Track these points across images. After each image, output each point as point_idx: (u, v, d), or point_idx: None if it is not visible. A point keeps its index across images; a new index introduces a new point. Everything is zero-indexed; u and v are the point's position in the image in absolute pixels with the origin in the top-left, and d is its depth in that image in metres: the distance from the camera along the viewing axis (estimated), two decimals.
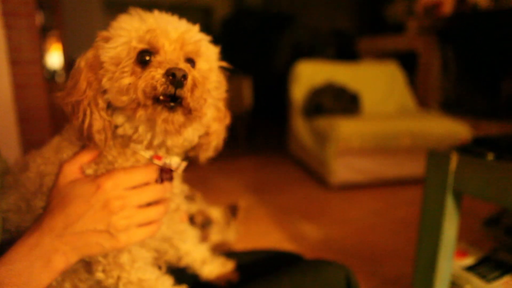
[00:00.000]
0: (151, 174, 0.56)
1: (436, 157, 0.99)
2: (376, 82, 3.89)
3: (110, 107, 0.54)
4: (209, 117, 0.59)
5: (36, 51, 2.10)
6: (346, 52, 5.58)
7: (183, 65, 0.50)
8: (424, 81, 4.39)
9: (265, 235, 2.18)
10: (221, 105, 0.63)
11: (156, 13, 0.56)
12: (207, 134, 0.62)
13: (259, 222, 2.36)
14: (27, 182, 0.58)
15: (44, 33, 3.40)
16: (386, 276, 1.74)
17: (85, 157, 0.56)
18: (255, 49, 6.19)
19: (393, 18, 5.01)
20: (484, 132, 3.46)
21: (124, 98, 0.50)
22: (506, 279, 1.04)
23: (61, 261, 0.50)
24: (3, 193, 0.60)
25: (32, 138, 2.13)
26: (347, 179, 3.01)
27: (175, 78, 0.48)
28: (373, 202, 2.74)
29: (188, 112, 0.51)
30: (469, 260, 1.16)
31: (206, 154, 0.65)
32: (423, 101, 4.26)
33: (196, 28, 0.58)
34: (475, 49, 4.04)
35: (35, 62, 2.09)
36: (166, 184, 0.58)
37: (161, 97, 0.49)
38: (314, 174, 3.34)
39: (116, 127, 0.55)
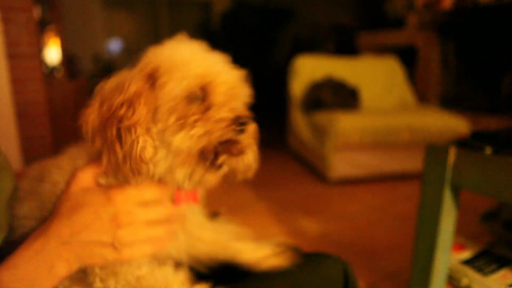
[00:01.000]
0: (163, 192, 0.57)
1: (434, 151, 0.99)
2: (375, 77, 3.88)
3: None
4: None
5: (34, 45, 2.10)
6: (345, 47, 5.57)
7: (245, 112, 0.54)
8: (423, 76, 4.38)
9: (264, 230, 2.18)
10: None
11: (199, 45, 0.59)
12: None
13: (258, 217, 2.37)
14: (42, 192, 0.57)
15: (42, 28, 3.38)
16: (385, 271, 1.74)
17: (100, 166, 0.55)
18: (255, 44, 6.17)
19: (393, 13, 4.99)
20: (483, 127, 3.46)
21: (189, 144, 0.51)
22: (503, 272, 1.05)
23: (63, 268, 0.50)
24: (19, 199, 0.59)
25: (30, 133, 2.13)
26: (346, 174, 3.01)
27: (243, 125, 0.52)
28: (372, 197, 2.75)
29: (238, 155, 0.55)
30: (466, 254, 1.16)
31: (246, 174, 0.66)
32: (422, 96, 4.26)
33: (240, 71, 0.60)
34: (475, 44, 4.03)
35: (33, 56, 2.09)
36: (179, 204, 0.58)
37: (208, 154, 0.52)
38: (313, 169, 3.34)
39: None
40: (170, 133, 0.52)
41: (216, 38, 6.52)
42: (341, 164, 2.98)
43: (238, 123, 0.52)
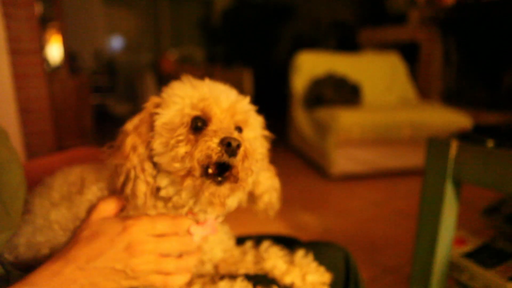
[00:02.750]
0: (178, 225, 0.57)
1: (436, 144, 0.99)
2: (377, 73, 3.88)
3: (155, 169, 0.56)
4: (250, 185, 0.60)
5: (36, 41, 2.09)
6: (347, 43, 5.56)
7: (236, 135, 0.51)
8: (425, 72, 4.37)
9: (266, 225, 2.19)
10: (264, 169, 0.64)
11: (207, 81, 0.59)
12: (255, 196, 0.65)
13: None
14: (78, 206, 0.60)
15: (43, 24, 3.39)
16: (385, 265, 1.75)
17: (121, 200, 0.58)
18: (256, 41, 6.16)
19: (394, 9, 4.97)
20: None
21: (177, 165, 0.51)
22: (504, 265, 1.05)
23: None
24: (55, 201, 0.61)
25: (33, 128, 2.13)
26: (347, 170, 3.01)
27: (230, 147, 0.49)
28: (373, 193, 2.75)
29: (235, 181, 0.52)
30: (468, 248, 1.17)
31: (268, 212, 0.67)
32: (424, 92, 4.25)
33: (246, 99, 0.60)
34: (477, 40, 4.01)
35: (35, 52, 2.08)
36: (191, 237, 0.59)
37: (210, 170, 0.50)
38: (315, 165, 3.34)
39: (158, 189, 0.57)
40: (157, 157, 0.54)
41: (217, 35, 6.51)
42: (342, 160, 2.98)
43: (224, 144, 0.49)
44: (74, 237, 0.56)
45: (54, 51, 3.81)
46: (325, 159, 3.06)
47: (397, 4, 4.92)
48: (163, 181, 0.55)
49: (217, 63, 6.10)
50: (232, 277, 0.62)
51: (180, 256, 0.58)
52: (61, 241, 0.60)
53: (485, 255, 1.11)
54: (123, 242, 0.53)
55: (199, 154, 0.49)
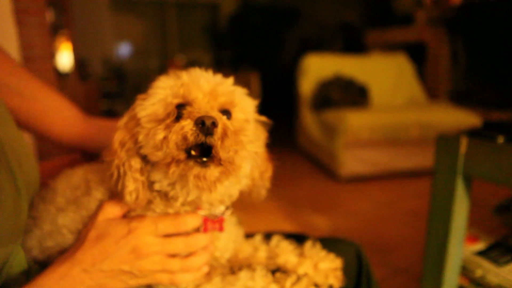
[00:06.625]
0: (181, 224, 0.56)
1: (445, 141, 0.98)
2: (384, 74, 3.87)
3: (149, 163, 0.55)
4: (248, 170, 0.59)
5: (47, 47, 2.14)
6: (354, 45, 5.55)
7: (214, 113, 0.49)
8: (433, 72, 4.35)
9: (275, 226, 2.19)
10: (260, 156, 0.62)
11: (192, 70, 0.57)
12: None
13: (269, 214, 2.38)
14: (88, 206, 0.59)
15: (54, 32, 3.45)
16: (396, 266, 1.74)
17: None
18: (263, 44, 6.19)
19: (401, 10, 4.96)
20: None
21: (159, 153, 0.50)
22: None
23: None
24: (60, 207, 0.61)
25: None
26: (356, 171, 3.01)
27: (204, 125, 0.47)
28: (382, 193, 2.74)
29: (220, 164, 0.49)
30: (480, 246, 1.16)
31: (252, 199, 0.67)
32: (432, 92, 4.23)
33: (229, 80, 0.57)
34: (485, 39, 3.99)
35: (47, 58, 2.13)
36: (198, 236, 0.58)
37: (193, 152, 0.49)
38: (323, 167, 3.34)
39: (153, 182, 0.56)
40: (143, 149, 0.53)
41: (224, 39, 6.55)
42: (351, 161, 2.97)
43: (199, 123, 0.47)
44: (80, 238, 0.56)
45: (64, 58, 3.86)
46: (334, 161, 3.05)
47: (404, 4, 4.91)
48: (156, 175, 0.54)
49: (224, 68, 6.13)
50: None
51: (188, 255, 0.57)
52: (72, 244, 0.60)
53: (498, 253, 1.10)
54: (128, 245, 0.53)
55: (174, 136, 0.47)
